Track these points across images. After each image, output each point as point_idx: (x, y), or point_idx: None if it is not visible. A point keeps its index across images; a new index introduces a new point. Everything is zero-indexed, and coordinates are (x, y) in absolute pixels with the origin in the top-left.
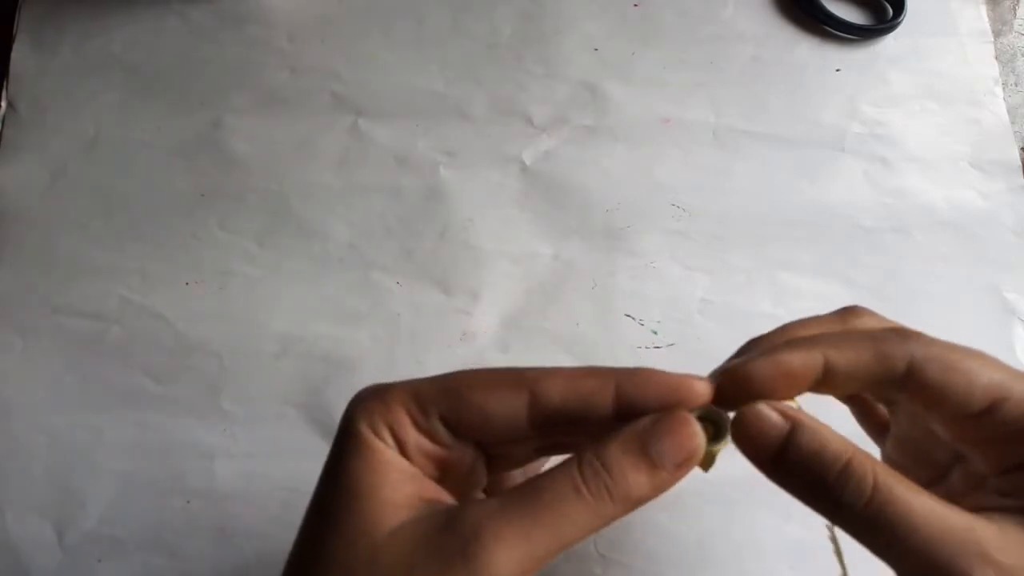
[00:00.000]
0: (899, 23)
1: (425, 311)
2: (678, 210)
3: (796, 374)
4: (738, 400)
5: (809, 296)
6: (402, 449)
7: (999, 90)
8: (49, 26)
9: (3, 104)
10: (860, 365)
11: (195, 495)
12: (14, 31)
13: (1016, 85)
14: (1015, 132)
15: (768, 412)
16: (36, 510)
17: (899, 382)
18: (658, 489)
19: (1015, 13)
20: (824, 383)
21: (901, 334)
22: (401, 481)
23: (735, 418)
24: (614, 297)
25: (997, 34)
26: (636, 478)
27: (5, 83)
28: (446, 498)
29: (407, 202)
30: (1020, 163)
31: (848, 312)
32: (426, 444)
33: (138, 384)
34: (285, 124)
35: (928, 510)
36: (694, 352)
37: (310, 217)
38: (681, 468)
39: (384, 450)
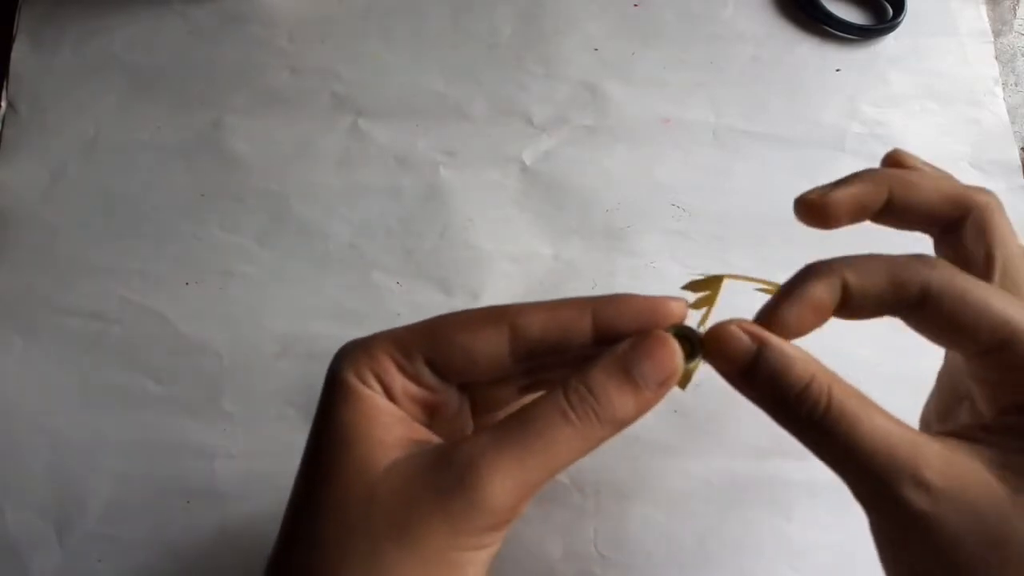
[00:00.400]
0: (899, 23)
1: (425, 311)
2: (678, 210)
3: (823, 305)
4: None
5: None
6: (389, 395)
7: (999, 90)
8: (49, 26)
9: (3, 104)
10: (875, 288)
11: (195, 495)
12: (14, 31)
13: (1016, 85)
14: (1015, 132)
15: (738, 333)
16: (36, 510)
17: (913, 308)
18: (642, 408)
19: (1015, 13)
20: (844, 306)
21: (924, 261)
22: (391, 424)
23: (706, 336)
24: None
25: (997, 34)
26: (621, 400)
27: (5, 83)
28: (436, 440)
29: (407, 202)
30: (1020, 163)
31: (972, 188)
32: (412, 388)
33: (138, 384)
34: (285, 124)
35: (876, 426)
36: None
37: (310, 217)
38: (663, 387)
39: (372, 395)
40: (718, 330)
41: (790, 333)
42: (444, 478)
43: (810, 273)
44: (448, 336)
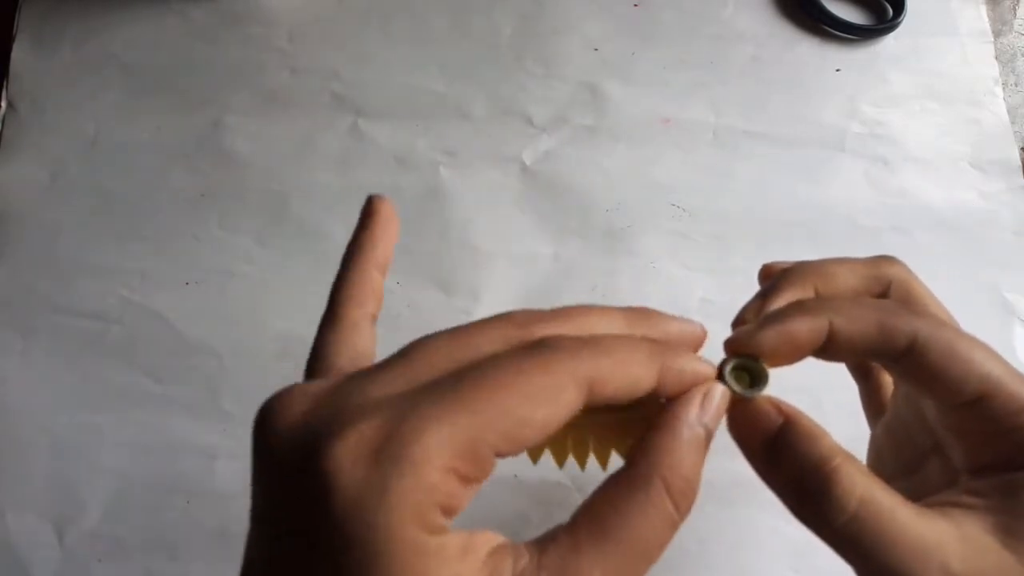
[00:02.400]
0: (899, 23)
1: (425, 311)
2: (678, 210)
3: (802, 342)
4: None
5: None
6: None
7: (999, 90)
8: (49, 26)
9: (3, 104)
10: (863, 335)
11: (195, 495)
12: (14, 31)
13: (1016, 85)
14: (1015, 132)
15: (765, 406)
16: (36, 510)
17: (899, 357)
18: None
19: (1015, 13)
20: (826, 349)
21: (912, 309)
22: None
23: (729, 408)
24: (614, 297)
25: (997, 34)
26: (696, 470)
27: (5, 83)
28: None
29: (407, 202)
30: (1020, 163)
31: (882, 260)
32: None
33: (138, 384)
34: (285, 124)
35: (904, 525)
36: None
37: (310, 217)
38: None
39: (439, 552)
40: (743, 401)
41: (763, 357)
42: None
43: (798, 308)
44: (504, 397)
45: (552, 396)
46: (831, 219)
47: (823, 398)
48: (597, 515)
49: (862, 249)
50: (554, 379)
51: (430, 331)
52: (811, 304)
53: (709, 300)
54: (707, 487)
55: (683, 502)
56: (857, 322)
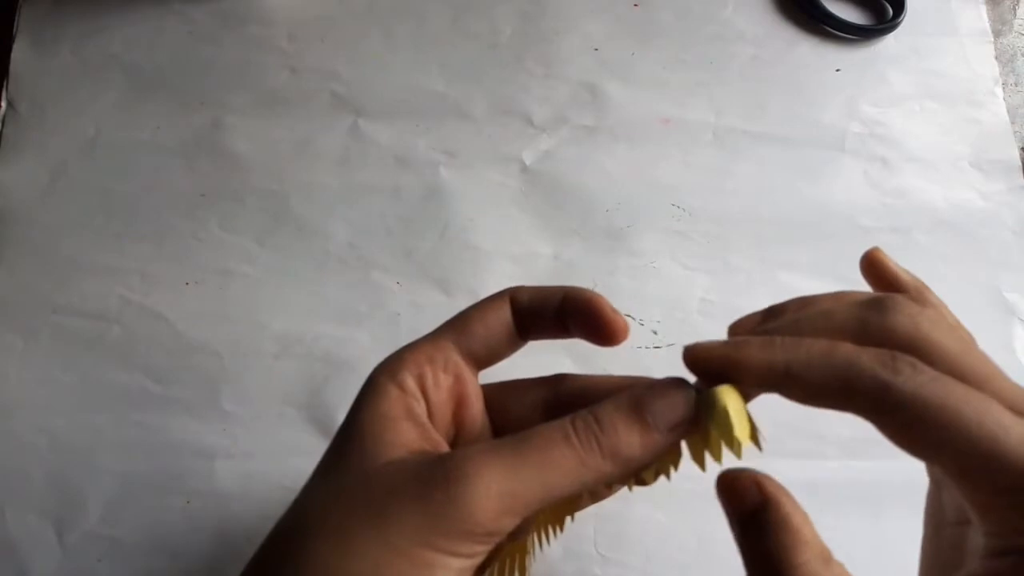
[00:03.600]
0: (899, 23)
1: (425, 311)
2: (678, 210)
3: (749, 372)
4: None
5: None
6: (423, 387)
7: (999, 90)
8: (49, 26)
9: (3, 104)
10: (822, 386)
11: (195, 495)
12: (14, 31)
13: (1016, 85)
14: (1015, 132)
15: (746, 481)
16: (36, 510)
17: (867, 415)
18: (649, 450)
19: (1015, 13)
20: (785, 391)
21: (884, 362)
22: (407, 429)
23: (720, 476)
24: (614, 297)
25: (997, 34)
26: (627, 435)
27: (5, 83)
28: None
29: (407, 202)
30: (1020, 163)
31: (874, 307)
32: (443, 378)
33: (138, 384)
34: (285, 124)
35: None
36: None
37: (310, 217)
38: (672, 431)
39: (399, 398)
40: (728, 471)
41: (708, 374)
42: (431, 473)
43: (762, 340)
44: (466, 316)
45: (485, 304)
46: (831, 219)
47: None
48: (512, 434)
49: (862, 249)
50: (486, 298)
51: (429, 330)
52: (777, 340)
53: (709, 300)
54: (707, 487)
55: (583, 431)
56: (818, 369)
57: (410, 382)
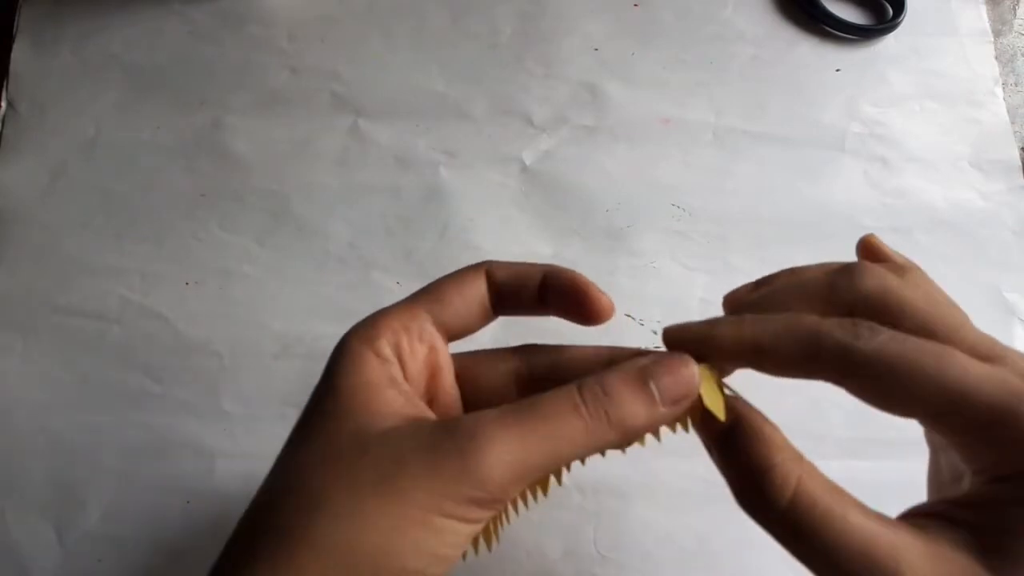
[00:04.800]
0: (899, 23)
1: None
2: (678, 210)
3: (721, 348)
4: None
5: None
6: (399, 355)
7: (999, 90)
8: (49, 26)
9: (3, 104)
10: (788, 355)
11: (195, 495)
12: (14, 31)
13: (1016, 85)
14: (1015, 132)
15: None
16: (36, 510)
17: (835, 379)
18: (652, 422)
19: (1015, 13)
20: (756, 364)
21: (849, 328)
22: (393, 398)
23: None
24: (614, 297)
25: (997, 34)
26: (633, 406)
27: (5, 83)
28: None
29: (407, 202)
30: (1020, 163)
31: (842, 273)
32: (419, 347)
33: (138, 384)
34: (285, 124)
35: (851, 524)
36: None
37: (310, 217)
38: (676, 404)
39: (380, 366)
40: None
41: (688, 351)
42: (441, 441)
43: (730, 319)
44: (441, 286)
45: (461, 276)
46: (831, 219)
47: (820, 398)
48: (519, 401)
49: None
50: (461, 269)
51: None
52: (747, 318)
53: (709, 300)
54: (707, 487)
55: (592, 401)
56: (783, 339)
57: (387, 350)
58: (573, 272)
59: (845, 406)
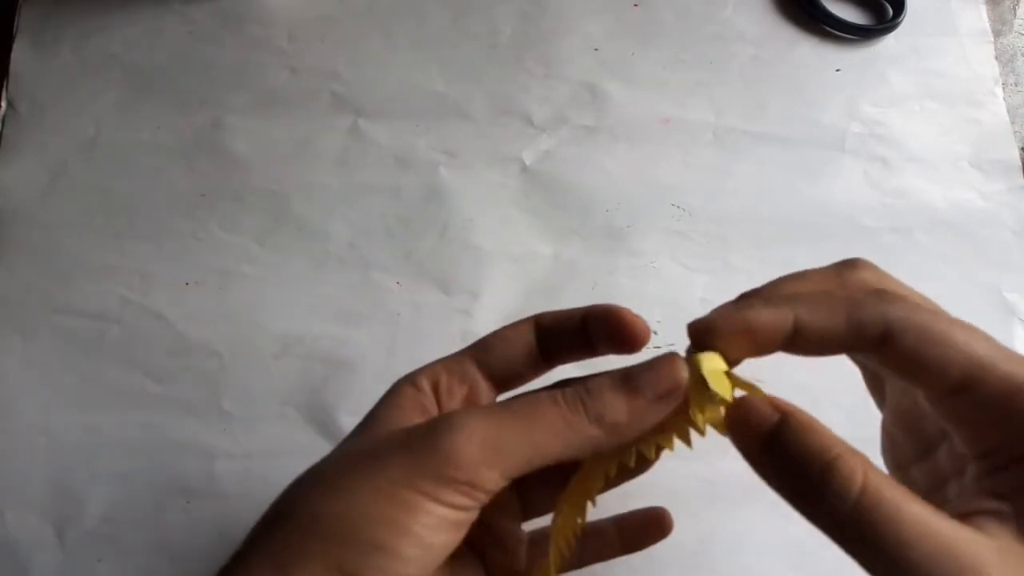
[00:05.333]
0: (899, 23)
1: (425, 311)
2: (678, 210)
3: (761, 331)
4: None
5: None
6: (436, 390)
7: (999, 90)
8: (49, 26)
9: (3, 104)
10: (831, 328)
11: (195, 495)
12: (14, 31)
13: (1016, 85)
14: (1015, 132)
15: (758, 403)
16: (36, 510)
17: (873, 348)
18: (637, 415)
19: (1015, 13)
20: (794, 343)
21: (883, 297)
22: (415, 417)
23: (728, 409)
24: (614, 297)
25: (997, 34)
26: (613, 399)
27: (5, 83)
28: None
29: (407, 202)
30: (1020, 163)
31: (846, 265)
32: (457, 387)
33: (138, 384)
34: (285, 124)
35: (926, 524)
36: None
37: (310, 217)
38: (661, 400)
39: (413, 395)
40: (738, 401)
41: (719, 344)
42: (419, 427)
43: (762, 300)
44: (490, 335)
45: (512, 326)
46: (831, 219)
47: (822, 397)
48: (503, 399)
49: (862, 249)
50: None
51: (429, 330)
52: (775, 297)
53: (709, 300)
54: (707, 487)
55: (570, 395)
56: (823, 312)
57: (424, 383)
58: (608, 304)
59: (845, 406)
